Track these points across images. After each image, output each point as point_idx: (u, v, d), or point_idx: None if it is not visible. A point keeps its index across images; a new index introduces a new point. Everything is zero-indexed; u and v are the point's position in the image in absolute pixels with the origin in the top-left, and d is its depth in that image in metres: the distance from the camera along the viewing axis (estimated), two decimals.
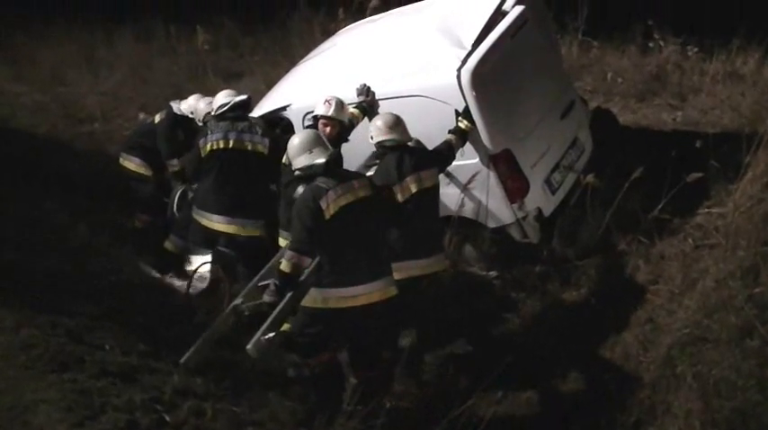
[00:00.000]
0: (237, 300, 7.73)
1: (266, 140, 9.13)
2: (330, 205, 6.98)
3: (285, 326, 7.97)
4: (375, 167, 8.09)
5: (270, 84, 12.08)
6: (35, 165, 12.09)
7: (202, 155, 9.12)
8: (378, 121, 8.08)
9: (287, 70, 11.69)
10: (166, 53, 17.29)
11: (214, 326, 7.51)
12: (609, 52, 13.26)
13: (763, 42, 11.77)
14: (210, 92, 10.70)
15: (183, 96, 13.47)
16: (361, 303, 7.08)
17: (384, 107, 8.73)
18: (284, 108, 9.71)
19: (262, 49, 16.72)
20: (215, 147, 9.05)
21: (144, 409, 5.79)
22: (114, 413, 5.64)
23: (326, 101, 8.62)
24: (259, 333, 6.98)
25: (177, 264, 9.83)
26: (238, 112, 9.26)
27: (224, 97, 9.38)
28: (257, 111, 10.22)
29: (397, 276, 7.59)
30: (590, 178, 8.70)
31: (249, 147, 9.09)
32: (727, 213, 8.56)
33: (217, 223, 9.12)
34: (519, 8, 9.00)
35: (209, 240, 9.36)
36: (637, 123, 11.61)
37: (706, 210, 9.02)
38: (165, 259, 9.80)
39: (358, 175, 7.45)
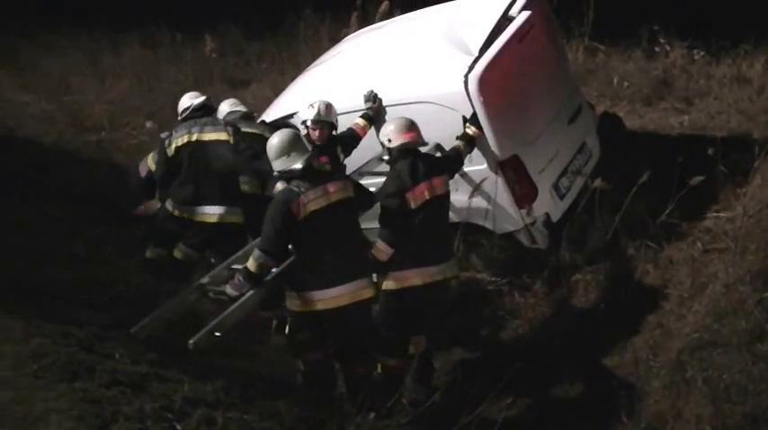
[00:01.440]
0: (204, 280, 7.79)
1: (229, 128, 9.31)
2: (301, 210, 7.04)
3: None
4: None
5: (277, 91, 12.08)
6: (43, 174, 12.11)
7: (169, 155, 9.25)
8: (391, 125, 7.96)
9: (294, 77, 11.68)
10: (172, 60, 17.29)
11: (174, 300, 7.55)
12: (615, 57, 13.25)
13: None
14: (217, 100, 10.74)
15: None
16: (333, 306, 7.16)
17: (391, 114, 8.72)
18: (291, 116, 9.69)
19: (269, 55, 16.72)
20: (179, 143, 9.20)
21: (155, 418, 5.77)
22: (125, 422, 5.62)
23: (311, 105, 8.77)
24: (206, 328, 7.01)
25: (184, 271, 9.85)
26: (201, 112, 9.48)
27: (187, 100, 9.68)
28: (264, 119, 10.25)
29: (407, 283, 7.63)
30: (598, 183, 8.69)
31: (213, 138, 9.23)
32: (735, 217, 8.57)
33: (199, 214, 9.24)
34: (525, 13, 9.02)
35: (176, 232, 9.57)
36: (644, 128, 11.59)
37: (714, 214, 9.03)
38: (173, 267, 9.81)
39: (336, 177, 7.42)
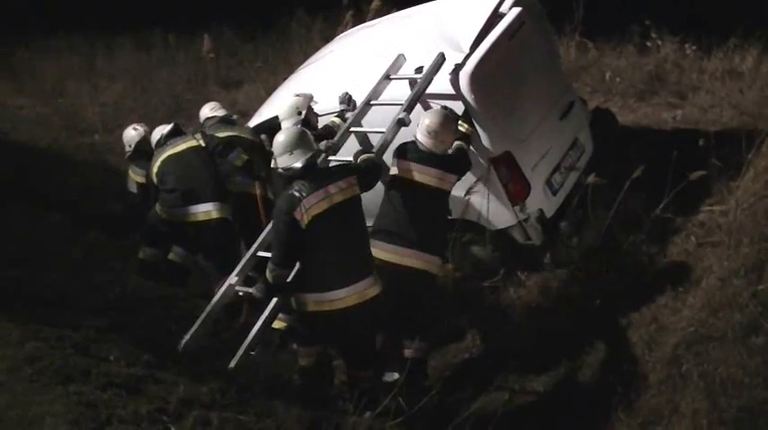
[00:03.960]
0: (233, 279, 7.81)
1: (197, 135, 9.88)
2: (304, 215, 7.02)
3: (281, 325, 8.08)
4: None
5: (270, 91, 12.09)
6: (38, 178, 12.12)
7: (155, 170, 9.60)
8: (426, 120, 8.04)
9: (286, 77, 11.69)
10: (166, 62, 17.33)
11: (211, 307, 7.66)
12: (607, 52, 13.28)
13: (762, 39, 11.77)
14: (210, 100, 10.87)
15: (182, 106, 13.53)
16: (339, 307, 7.13)
17: (380, 113, 8.72)
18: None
19: (261, 56, 16.74)
20: (165, 157, 9.56)
21: (150, 420, 5.77)
22: (120, 425, 5.62)
23: (299, 95, 9.17)
24: (242, 350, 7.14)
25: (180, 273, 9.91)
26: (173, 137, 9.87)
27: (157, 133, 10.08)
28: (257, 119, 10.29)
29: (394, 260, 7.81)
30: (592, 178, 8.69)
31: (185, 147, 9.66)
32: (729, 211, 8.57)
33: (188, 214, 9.40)
34: (516, 10, 9.00)
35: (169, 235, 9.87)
36: (637, 123, 11.61)
37: (708, 208, 9.03)
38: (169, 270, 9.86)
39: (339, 175, 7.35)
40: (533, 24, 9.25)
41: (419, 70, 8.75)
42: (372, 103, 8.85)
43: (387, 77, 8.92)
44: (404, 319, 7.98)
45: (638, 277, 8.63)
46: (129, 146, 10.45)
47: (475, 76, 8.34)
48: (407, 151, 8.02)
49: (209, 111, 10.36)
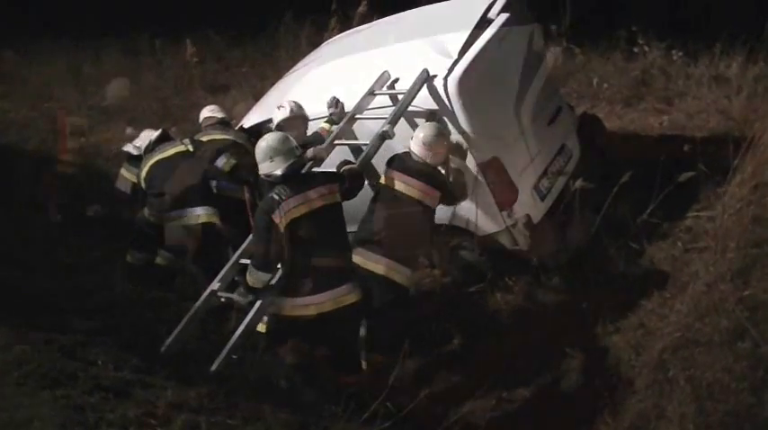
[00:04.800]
0: (215, 285, 7.79)
1: (185, 140, 9.89)
2: (282, 218, 7.04)
3: (261, 327, 8.10)
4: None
5: (257, 96, 12.11)
6: (24, 182, 12.08)
7: (143, 174, 9.62)
8: (421, 133, 8.24)
9: (274, 82, 11.69)
10: (153, 67, 17.31)
11: (193, 312, 7.60)
12: (594, 58, 13.31)
13: (747, 44, 11.82)
14: (197, 105, 10.85)
15: (169, 111, 13.51)
16: (314, 312, 7.14)
17: (366, 127, 8.79)
18: (271, 120, 9.69)
19: (249, 61, 16.75)
20: (153, 162, 9.58)
21: (138, 424, 5.76)
22: (108, 429, 5.61)
23: (280, 107, 9.06)
24: (224, 353, 7.10)
25: (167, 277, 9.90)
26: (162, 142, 9.87)
27: (146, 138, 10.05)
28: (245, 124, 10.29)
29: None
30: (579, 183, 8.70)
31: (173, 152, 9.68)
32: (716, 216, 8.58)
33: (185, 218, 9.39)
34: (504, 16, 9.02)
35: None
36: (623, 128, 11.65)
37: (695, 213, 9.06)
38: (156, 274, 9.85)
39: (320, 181, 7.39)
40: (521, 30, 9.26)
41: (395, 82, 8.92)
42: (357, 116, 8.87)
43: (371, 93, 8.93)
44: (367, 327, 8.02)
45: (625, 282, 8.65)
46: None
47: (463, 82, 8.35)
48: (397, 161, 8.20)
49: (208, 112, 10.40)
